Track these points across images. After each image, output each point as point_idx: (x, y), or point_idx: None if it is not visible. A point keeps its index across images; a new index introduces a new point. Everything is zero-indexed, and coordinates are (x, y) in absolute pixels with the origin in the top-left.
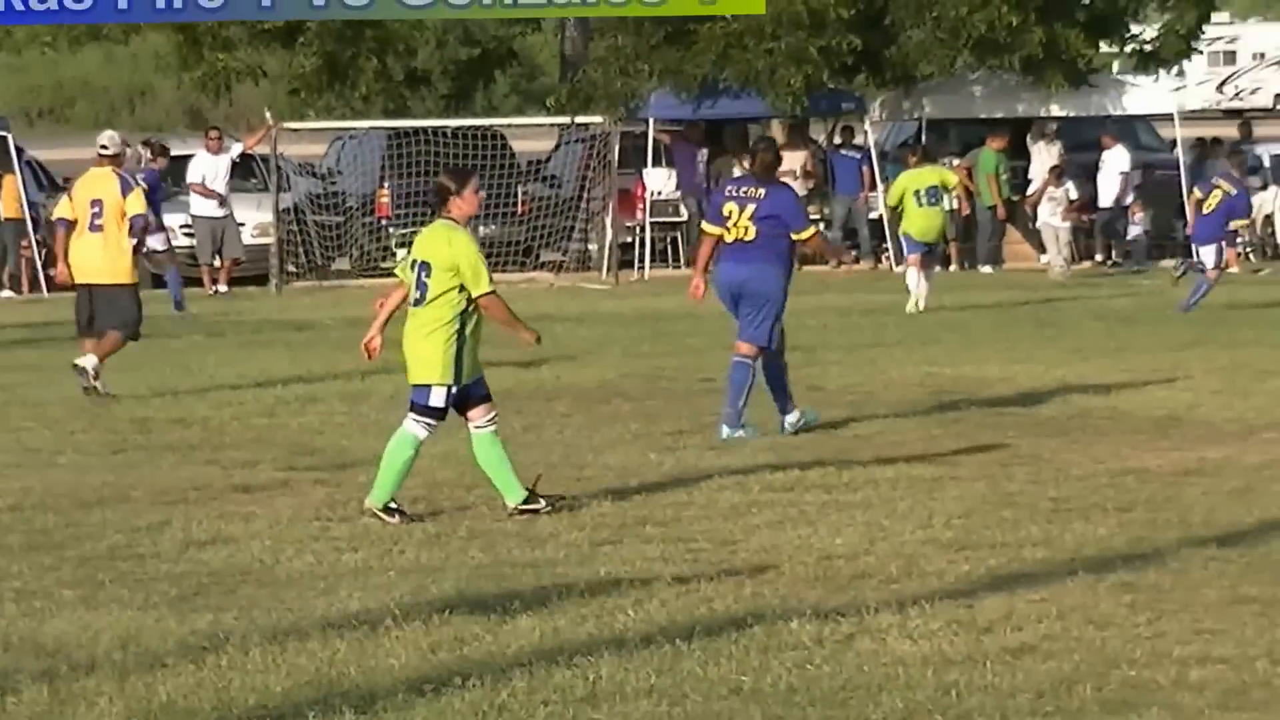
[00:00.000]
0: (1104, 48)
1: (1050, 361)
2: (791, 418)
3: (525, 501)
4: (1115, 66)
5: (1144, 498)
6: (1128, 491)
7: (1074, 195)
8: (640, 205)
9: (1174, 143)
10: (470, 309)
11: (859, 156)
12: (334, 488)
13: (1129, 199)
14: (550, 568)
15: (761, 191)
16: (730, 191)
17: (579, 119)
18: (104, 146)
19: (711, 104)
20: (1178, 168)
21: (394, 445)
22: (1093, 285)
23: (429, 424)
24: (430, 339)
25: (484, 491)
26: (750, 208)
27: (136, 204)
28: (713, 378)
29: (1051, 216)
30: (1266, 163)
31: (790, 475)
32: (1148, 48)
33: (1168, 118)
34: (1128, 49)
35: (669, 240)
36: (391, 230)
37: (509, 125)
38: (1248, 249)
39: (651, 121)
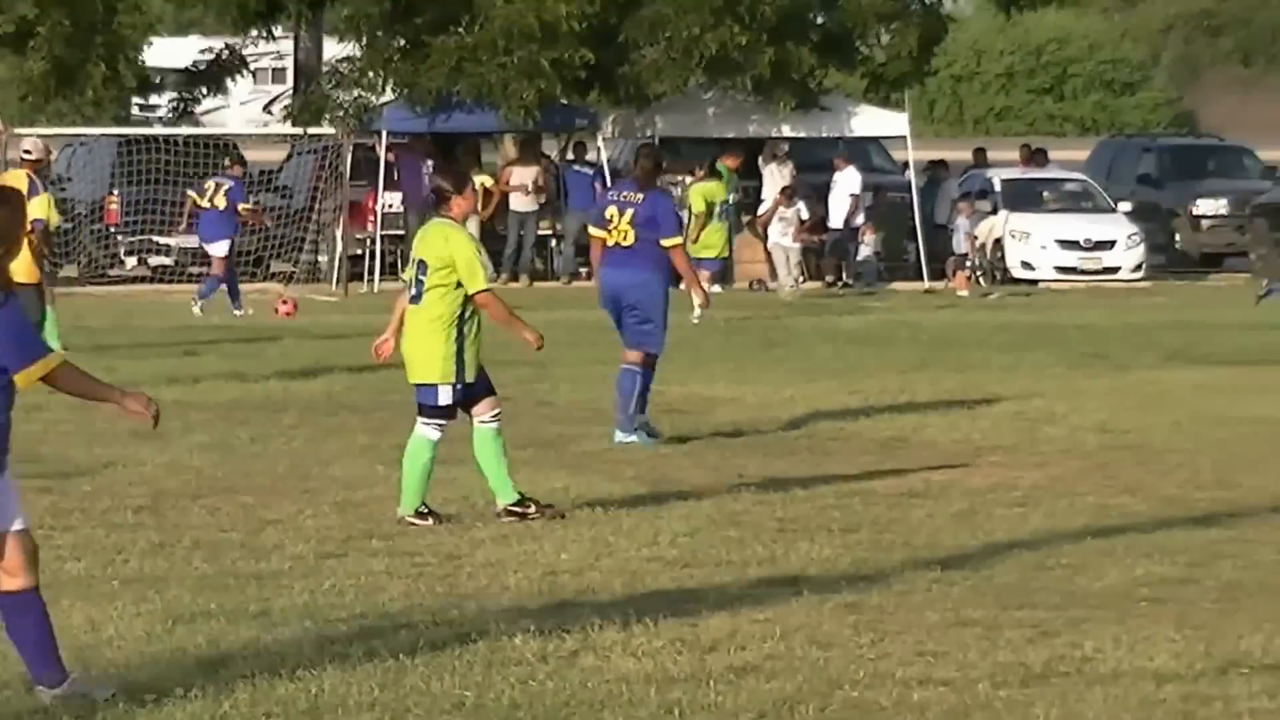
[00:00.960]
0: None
1: (778, 382)
2: (627, 438)
3: (516, 504)
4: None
5: (869, 519)
6: (853, 512)
7: (805, 216)
8: (371, 218)
9: (906, 165)
10: (469, 306)
11: (591, 173)
12: (59, 496)
13: (859, 220)
14: (275, 580)
15: (639, 196)
16: (612, 195)
17: (311, 130)
18: (27, 151)
19: (445, 117)
20: (909, 190)
21: (411, 451)
22: (822, 306)
23: (439, 424)
24: (430, 338)
25: (209, 501)
26: (629, 212)
27: (37, 209)
28: None
29: (782, 237)
30: (997, 187)
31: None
32: (878, 70)
33: (901, 140)
34: (860, 71)
35: (399, 253)
36: (120, 237)
37: (241, 135)
38: (977, 273)
39: (384, 134)
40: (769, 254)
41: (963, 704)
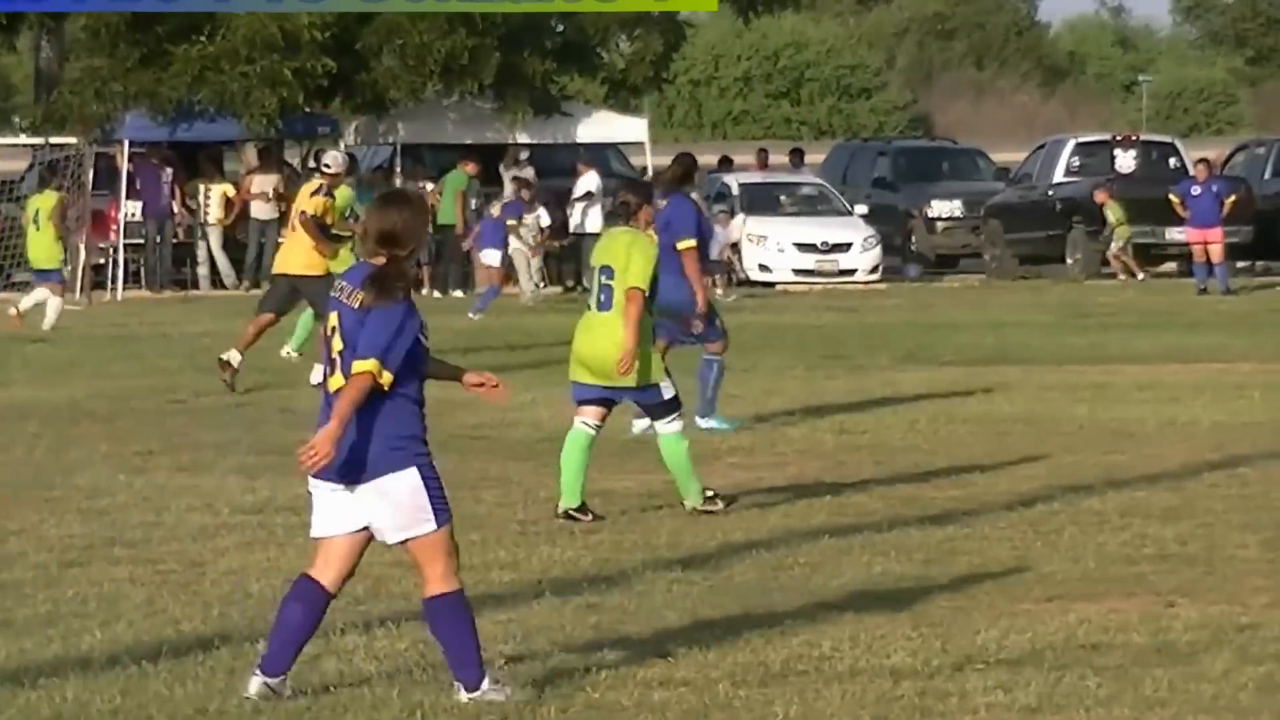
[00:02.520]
0: (577, 76)
1: (519, 385)
2: (707, 423)
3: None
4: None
5: (610, 521)
6: None
7: (545, 222)
8: (114, 227)
9: (645, 170)
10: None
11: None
12: None
13: (591, 221)
14: (18, 589)
15: (663, 203)
16: None
17: (53, 139)
18: (327, 165)
19: (187, 126)
20: None
21: (668, 451)
22: (565, 310)
23: (678, 415)
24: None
25: None
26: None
27: (311, 205)
28: (183, 399)
29: (521, 243)
30: (735, 191)
31: (260, 497)
32: (619, 76)
33: (639, 145)
34: (599, 77)
35: (141, 261)
36: None
37: None
38: (715, 276)
39: (126, 143)
40: (510, 259)
41: (702, 704)
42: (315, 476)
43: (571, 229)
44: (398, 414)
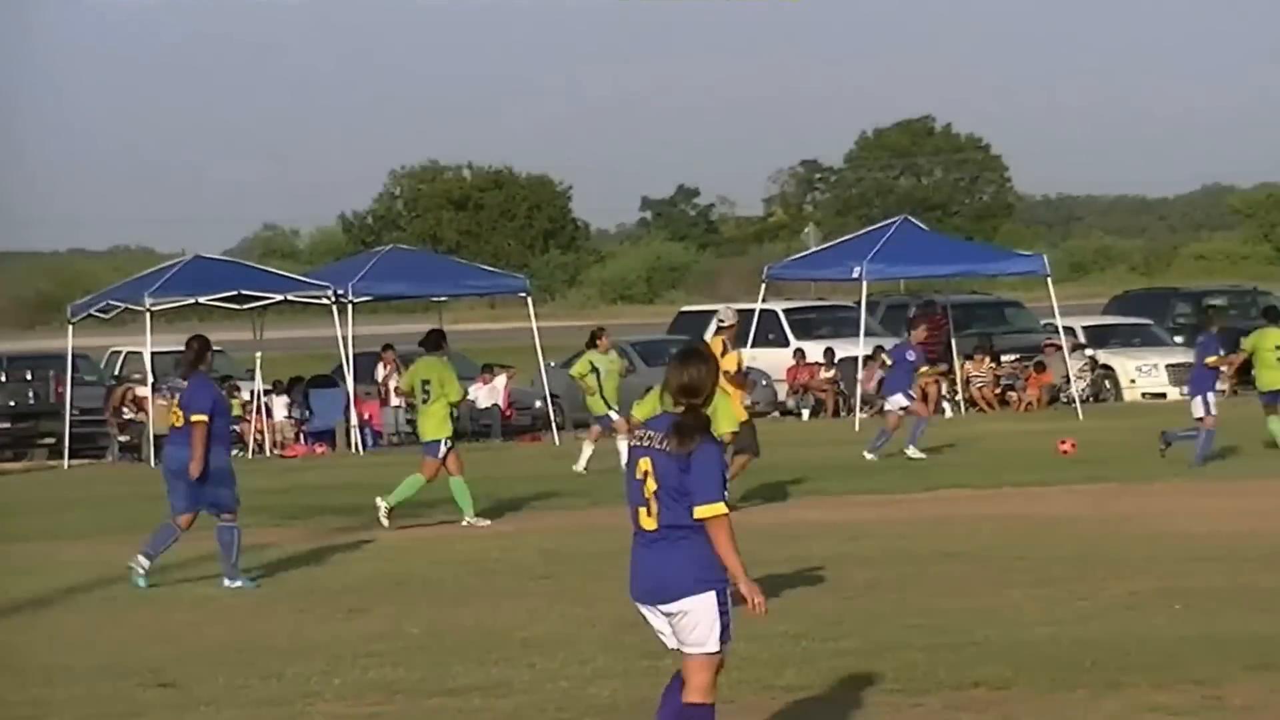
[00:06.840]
0: None
1: None
2: (235, 584)
3: None
4: None
5: None
6: None
7: None
8: None
9: None
10: None
11: None
12: None
13: None
14: None
15: (183, 383)
16: (173, 385)
17: None
18: (721, 320)
19: None
20: None
21: None
22: None
23: None
24: None
25: None
26: (176, 397)
27: (727, 363)
28: None
29: None
30: None
31: None
32: None
33: None
34: None
35: None
36: None
37: None
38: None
39: None
40: None
41: None
42: (638, 600)
43: None
44: (704, 543)
